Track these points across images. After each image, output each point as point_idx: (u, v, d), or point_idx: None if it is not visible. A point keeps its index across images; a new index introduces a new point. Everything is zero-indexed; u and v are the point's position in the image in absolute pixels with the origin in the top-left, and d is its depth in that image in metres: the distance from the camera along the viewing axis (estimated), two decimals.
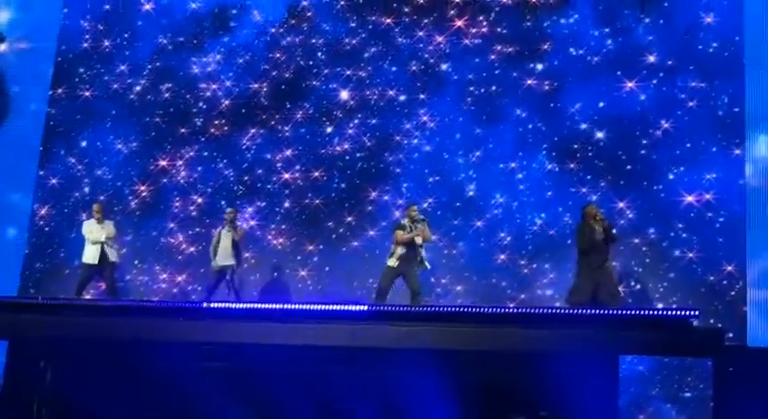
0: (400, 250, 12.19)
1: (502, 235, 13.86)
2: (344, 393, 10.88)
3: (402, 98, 14.86)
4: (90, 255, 13.24)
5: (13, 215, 15.72)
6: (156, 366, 11.51)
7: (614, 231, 11.95)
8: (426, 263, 12.26)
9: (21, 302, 13.14)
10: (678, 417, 12.05)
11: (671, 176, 13.30)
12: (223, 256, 13.09)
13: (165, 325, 11.65)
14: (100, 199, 14.87)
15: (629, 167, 13.52)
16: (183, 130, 15.54)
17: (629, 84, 13.81)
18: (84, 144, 15.80)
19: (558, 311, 10.92)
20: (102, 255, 13.24)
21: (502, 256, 13.75)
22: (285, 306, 11.85)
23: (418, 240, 12.15)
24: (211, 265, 13.28)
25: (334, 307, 11.29)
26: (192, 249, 14.98)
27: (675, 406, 12.01)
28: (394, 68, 15.01)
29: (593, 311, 10.73)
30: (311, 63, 15.39)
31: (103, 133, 15.77)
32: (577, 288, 11.66)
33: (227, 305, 12.10)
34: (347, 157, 14.86)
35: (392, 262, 12.22)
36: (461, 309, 11.10)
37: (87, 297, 13.70)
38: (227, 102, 15.50)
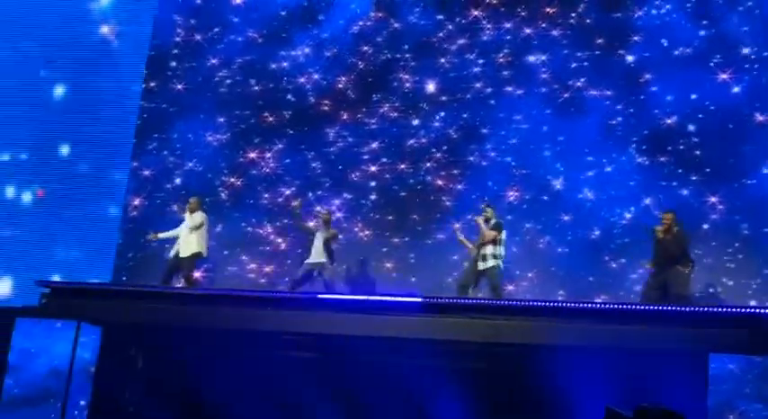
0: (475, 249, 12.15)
1: (590, 229, 13.71)
2: (427, 386, 10.85)
3: (488, 90, 14.81)
4: (174, 248, 13.38)
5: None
6: (245, 355, 11.67)
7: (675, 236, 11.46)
8: (491, 261, 12.05)
9: (114, 289, 13.40)
10: None
11: (765, 170, 12.98)
12: (315, 255, 13.14)
13: (253, 315, 11.75)
14: (182, 191, 15.13)
15: (721, 161, 13.25)
16: (271, 122, 15.75)
17: (723, 76, 13.53)
18: (175, 136, 16.11)
19: (647, 308, 10.67)
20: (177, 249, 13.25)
21: (590, 251, 13.58)
22: (369, 297, 11.85)
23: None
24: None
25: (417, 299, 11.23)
26: (279, 240, 15.16)
27: (767, 406, 11.71)
28: (481, 60, 14.97)
29: (683, 308, 10.47)
30: (398, 55, 15.45)
31: (195, 126, 16.04)
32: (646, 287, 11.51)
33: (313, 296, 12.16)
34: (433, 150, 14.87)
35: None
36: (545, 304, 10.93)
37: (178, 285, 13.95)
38: (314, 95, 15.66)
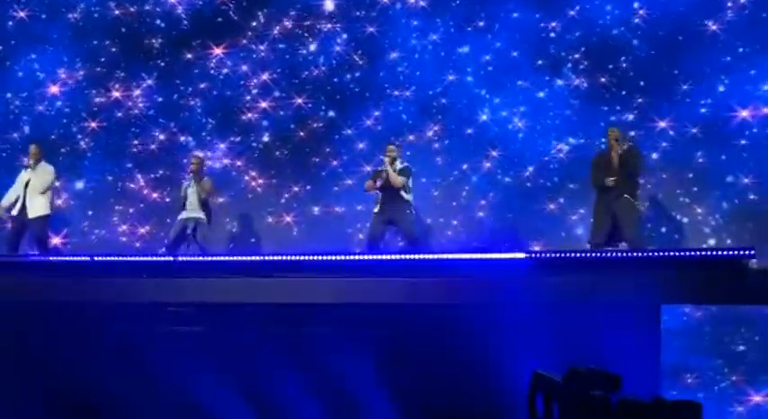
0: (380, 195, 12.27)
1: (522, 166, 13.81)
2: (336, 355, 10.92)
3: (397, 5, 14.71)
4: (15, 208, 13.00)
5: None
6: (115, 332, 11.57)
7: (634, 159, 11.69)
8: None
9: None
10: (731, 375, 12.10)
11: (721, 88, 13.12)
12: (190, 209, 12.97)
13: (124, 285, 11.64)
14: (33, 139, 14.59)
15: (670, 80, 13.33)
16: (138, 53, 15.49)
17: None
18: (20, 74, 15.77)
19: (588, 254, 10.83)
20: (23, 209, 12.92)
21: (522, 191, 13.72)
22: (266, 258, 11.81)
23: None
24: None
25: (324, 257, 11.24)
26: (155, 195, 15.01)
27: (727, 362, 12.06)
28: None
29: (630, 253, 10.67)
30: None
31: (44, 61, 15.71)
32: (594, 227, 11.67)
33: (198, 258, 12.08)
34: (335, 79, 14.77)
35: (376, 208, 12.28)
36: (469, 256, 11.02)
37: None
38: (188, 18, 15.43)
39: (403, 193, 12.15)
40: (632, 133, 12.93)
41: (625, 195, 11.35)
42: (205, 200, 12.96)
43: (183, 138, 15.10)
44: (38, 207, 12.96)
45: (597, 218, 11.63)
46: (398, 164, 12.31)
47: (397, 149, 12.48)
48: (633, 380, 9.31)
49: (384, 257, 11.44)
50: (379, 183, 12.26)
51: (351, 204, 14.25)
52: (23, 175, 13.16)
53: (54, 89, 15.62)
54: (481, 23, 14.32)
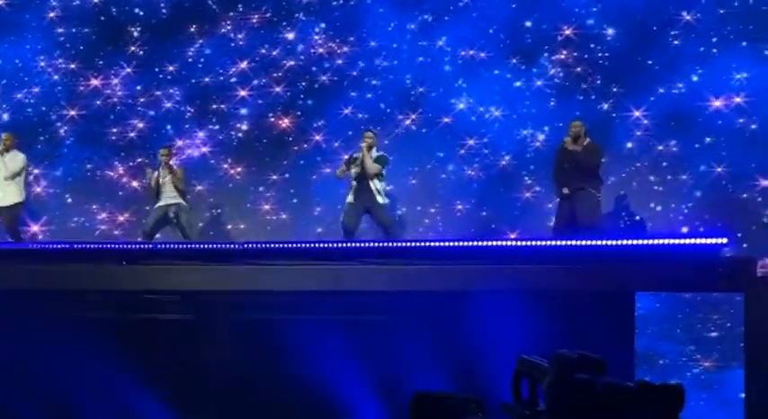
0: (354, 183, 12.23)
1: (498, 155, 13.85)
2: (316, 346, 10.92)
3: None
4: None
5: None
6: (95, 319, 11.55)
7: (586, 148, 11.80)
8: (379, 197, 12.20)
9: None
10: (704, 360, 12.24)
11: (695, 77, 13.22)
12: (167, 196, 12.89)
13: (104, 272, 11.62)
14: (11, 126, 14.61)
15: (645, 69, 13.42)
16: (117, 42, 15.45)
17: None
18: None
19: (563, 243, 10.91)
20: None
21: (499, 180, 13.78)
22: (246, 245, 11.81)
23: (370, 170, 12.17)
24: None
25: (307, 244, 11.28)
26: (134, 183, 14.99)
27: (700, 348, 12.19)
28: None
29: (604, 242, 10.74)
30: None
31: (22, 48, 15.66)
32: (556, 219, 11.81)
33: (176, 245, 12.09)
34: (313, 68, 14.76)
35: (350, 197, 12.28)
36: (450, 244, 11.09)
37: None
38: (167, 6, 15.41)
39: (376, 182, 12.15)
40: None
41: (585, 187, 11.49)
42: (183, 189, 12.93)
43: (161, 127, 15.04)
44: (11, 194, 12.93)
45: (557, 212, 11.79)
46: (374, 152, 12.30)
47: (374, 136, 12.42)
48: (609, 366, 9.49)
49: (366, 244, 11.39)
50: (354, 171, 12.24)
51: (329, 192, 14.21)
52: None
53: (32, 77, 15.54)
54: (458, 14, 14.33)
